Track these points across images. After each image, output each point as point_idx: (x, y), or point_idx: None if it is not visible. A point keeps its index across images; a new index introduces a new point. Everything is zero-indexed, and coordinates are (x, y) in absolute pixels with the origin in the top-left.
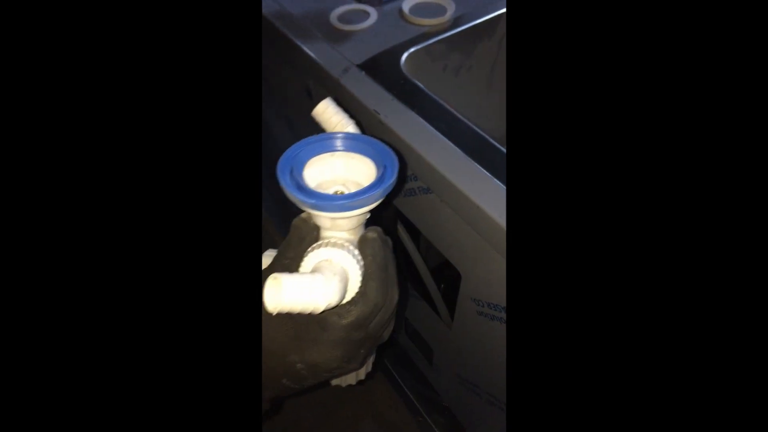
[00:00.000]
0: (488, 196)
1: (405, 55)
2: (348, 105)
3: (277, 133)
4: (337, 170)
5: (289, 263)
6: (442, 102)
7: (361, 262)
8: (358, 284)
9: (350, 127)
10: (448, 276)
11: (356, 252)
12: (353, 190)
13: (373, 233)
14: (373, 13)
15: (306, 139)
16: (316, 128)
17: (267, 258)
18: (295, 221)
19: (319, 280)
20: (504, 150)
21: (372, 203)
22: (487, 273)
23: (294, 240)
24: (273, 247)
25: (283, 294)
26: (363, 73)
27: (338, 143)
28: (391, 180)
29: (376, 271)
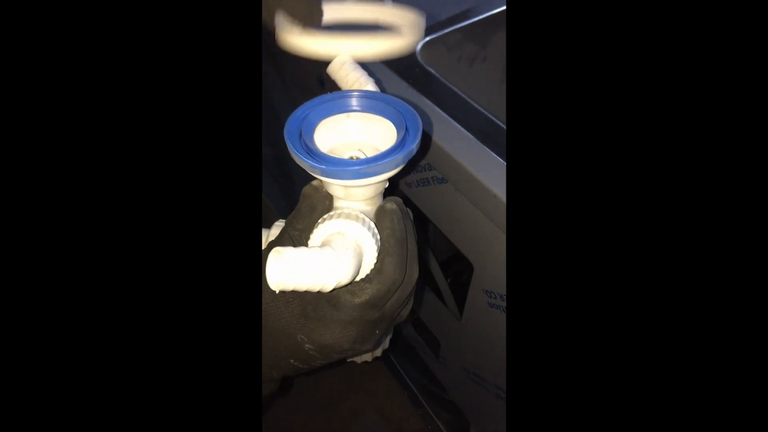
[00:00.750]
0: (504, 185)
1: (421, 44)
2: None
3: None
4: (353, 133)
5: (299, 235)
6: (457, 91)
7: (378, 236)
8: (374, 260)
9: (369, 86)
10: (457, 269)
11: (372, 224)
12: (370, 155)
13: (392, 204)
14: (388, 2)
15: (318, 97)
16: None
17: (276, 228)
18: (306, 189)
19: (329, 256)
20: None
21: (392, 170)
22: (500, 264)
23: (304, 209)
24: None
25: (287, 270)
26: (380, 62)
27: (354, 102)
28: (414, 144)
29: (395, 245)
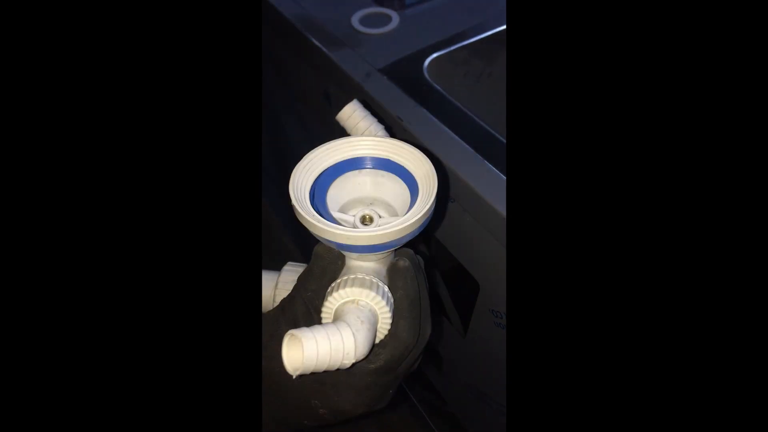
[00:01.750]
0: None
1: (428, 61)
2: (370, 107)
3: (292, 136)
4: (364, 188)
5: (312, 296)
6: (465, 110)
7: (391, 300)
8: (388, 325)
9: (380, 133)
10: (461, 284)
11: (386, 289)
12: (382, 212)
13: (405, 261)
14: (395, 17)
15: (327, 147)
16: (333, 134)
17: (286, 274)
18: (318, 249)
19: (345, 335)
20: None
21: (408, 239)
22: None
23: (316, 271)
24: (279, 250)
25: (304, 357)
26: (385, 77)
27: (368, 161)
28: (431, 210)
29: (408, 307)
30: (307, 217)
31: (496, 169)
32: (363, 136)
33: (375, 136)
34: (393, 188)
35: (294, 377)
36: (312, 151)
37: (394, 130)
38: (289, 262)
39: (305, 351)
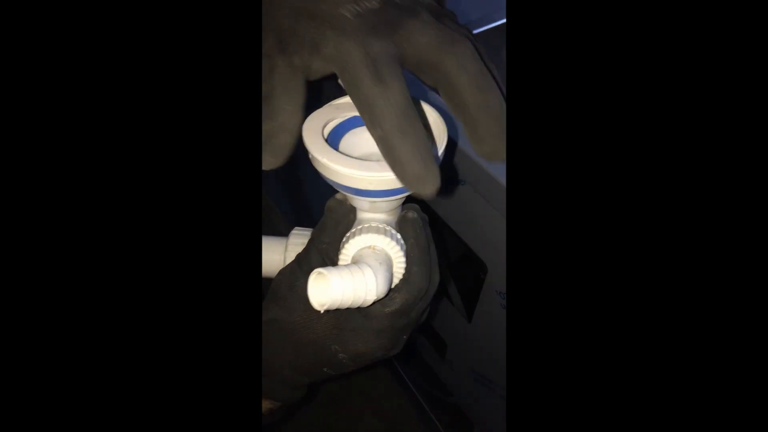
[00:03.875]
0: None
1: None
2: None
3: None
4: (372, 144)
5: (326, 248)
6: None
7: (405, 247)
8: (402, 270)
9: None
10: (466, 272)
11: (398, 236)
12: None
13: (413, 213)
14: None
15: (337, 104)
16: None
17: (295, 237)
18: (330, 203)
19: (367, 273)
20: None
21: None
22: None
23: (329, 223)
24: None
25: (331, 291)
26: None
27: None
28: (441, 153)
29: (419, 254)
30: (326, 160)
31: None
32: None
33: None
34: None
35: (322, 311)
36: (324, 107)
37: None
38: (296, 227)
39: (332, 286)
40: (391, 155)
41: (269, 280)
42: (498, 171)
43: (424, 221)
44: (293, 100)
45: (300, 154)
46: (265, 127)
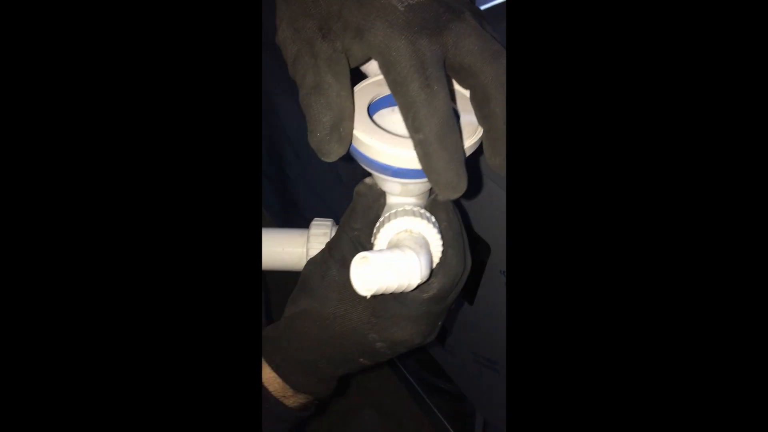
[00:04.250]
0: None
1: None
2: None
3: (283, 112)
4: (396, 127)
5: (359, 235)
6: None
7: (440, 230)
8: (439, 253)
9: None
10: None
11: (433, 219)
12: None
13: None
14: None
15: (364, 84)
16: None
17: (316, 228)
18: (359, 188)
19: (410, 256)
20: None
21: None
22: None
23: (360, 209)
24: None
25: (376, 275)
26: None
27: None
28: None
29: (453, 237)
30: (375, 140)
31: None
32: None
33: None
34: None
35: (368, 297)
36: (361, 83)
37: None
38: (316, 218)
39: (378, 270)
40: (428, 161)
41: (290, 273)
42: None
43: (453, 204)
44: (345, 86)
45: (290, 151)
46: (324, 117)
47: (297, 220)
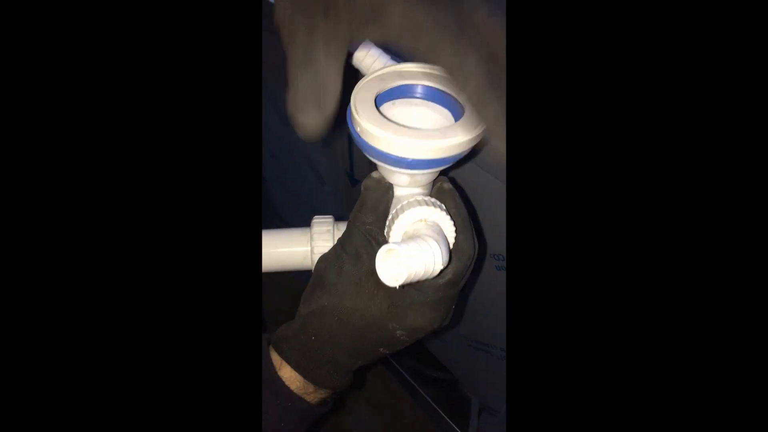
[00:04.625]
0: None
1: None
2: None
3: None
4: (399, 120)
5: (371, 229)
6: None
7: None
8: (453, 239)
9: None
10: None
11: (444, 206)
12: None
13: (448, 183)
14: None
15: (368, 78)
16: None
17: (318, 226)
18: (368, 182)
19: (432, 244)
20: None
21: (472, 145)
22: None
23: (370, 203)
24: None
25: (406, 265)
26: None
27: (418, 89)
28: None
29: (463, 223)
30: (382, 133)
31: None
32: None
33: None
34: (431, 116)
35: (397, 287)
36: (364, 78)
37: None
38: (316, 216)
39: (406, 260)
40: (482, 114)
41: (297, 272)
42: (491, 133)
43: (457, 191)
44: (336, 67)
45: (266, 151)
46: (307, 89)
47: (276, 221)
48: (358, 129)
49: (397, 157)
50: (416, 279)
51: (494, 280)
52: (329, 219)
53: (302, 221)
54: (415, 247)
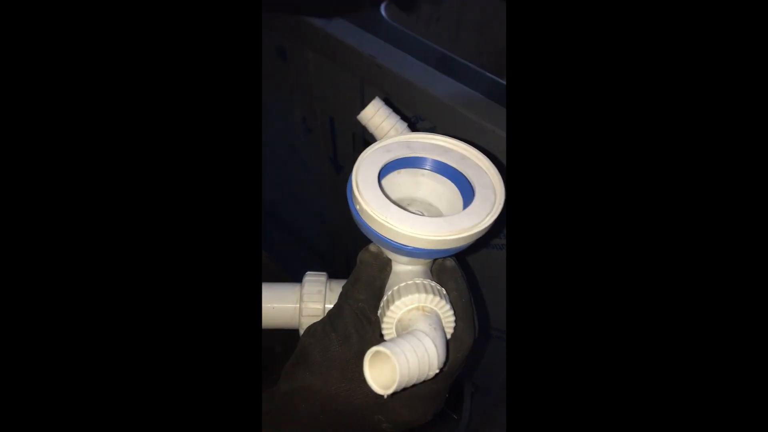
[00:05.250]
0: (496, 121)
1: (383, 5)
2: (336, 52)
3: None
4: (406, 189)
5: (363, 307)
6: (430, 43)
7: (449, 301)
8: (452, 329)
9: (404, 131)
10: None
11: (444, 291)
12: (425, 212)
13: (451, 261)
14: None
15: (373, 149)
16: (293, 106)
17: (309, 285)
18: (363, 256)
19: (428, 345)
20: (502, 81)
21: (473, 240)
22: None
23: (364, 279)
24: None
25: (398, 374)
26: (345, 21)
27: (427, 163)
28: (501, 202)
29: (463, 308)
30: (382, 219)
31: (478, 92)
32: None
33: (400, 134)
34: (435, 188)
35: (386, 396)
36: (369, 148)
37: (369, 70)
38: (308, 272)
39: (400, 368)
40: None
41: (281, 330)
42: (468, 110)
43: (460, 267)
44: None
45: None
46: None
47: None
48: (358, 207)
49: (397, 243)
50: (410, 385)
51: (476, 256)
52: (322, 278)
53: (286, 211)
54: (409, 350)
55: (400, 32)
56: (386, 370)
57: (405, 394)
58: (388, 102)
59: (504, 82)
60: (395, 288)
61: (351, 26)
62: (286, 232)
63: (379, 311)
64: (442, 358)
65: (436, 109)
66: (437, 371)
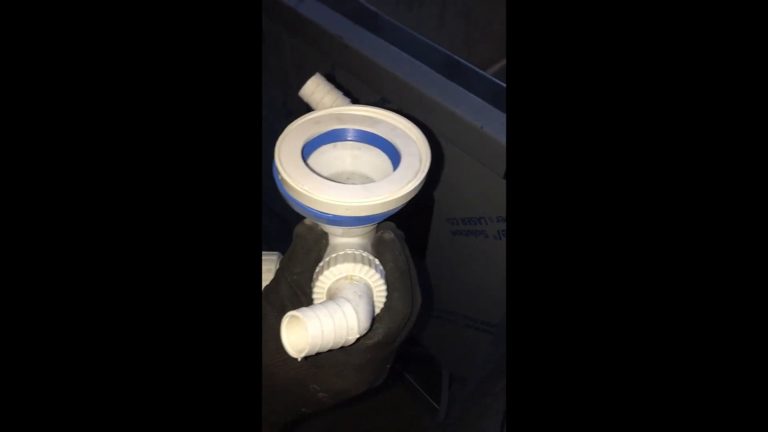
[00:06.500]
0: (464, 106)
1: None
2: (307, 33)
3: None
4: (342, 162)
5: (297, 279)
6: (402, 26)
7: (383, 272)
8: (383, 298)
9: (347, 105)
10: (417, 212)
11: (377, 262)
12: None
13: (389, 233)
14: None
15: (302, 123)
16: (270, 86)
17: (263, 265)
18: (299, 229)
19: (347, 310)
20: (472, 66)
21: (405, 202)
22: (462, 190)
23: (300, 252)
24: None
25: (309, 336)
26: (318, 1)
27: (349, 133)
28: (425, 170)
29: (400, 278)
30: (300, 187)
31: (445, 77)
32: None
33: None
34: (371, 161)
35: (299, 359)
36: (297, 120)
37: (336, 50)
38: (264, 252)
39: (310, 331)
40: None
41: None
42: (436, 93)
43: (401, 240)
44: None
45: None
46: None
47: None
48: (280, 178)
49: (318, 212)
50: (326, 349)
51: (450, 245)
52: (273, 257)
53: (267, 193)
54: (325, 314)
55: (371, 13)
56: (303, 335)
57: (337, 362)
58: (360, 86)
59: (471, 66)
60: (327, 258)
61: (321, 5)
62: (270, 215)
63: (312, 283)
64: (364, 324)
65: (402, 92)
66: (357, 335)
